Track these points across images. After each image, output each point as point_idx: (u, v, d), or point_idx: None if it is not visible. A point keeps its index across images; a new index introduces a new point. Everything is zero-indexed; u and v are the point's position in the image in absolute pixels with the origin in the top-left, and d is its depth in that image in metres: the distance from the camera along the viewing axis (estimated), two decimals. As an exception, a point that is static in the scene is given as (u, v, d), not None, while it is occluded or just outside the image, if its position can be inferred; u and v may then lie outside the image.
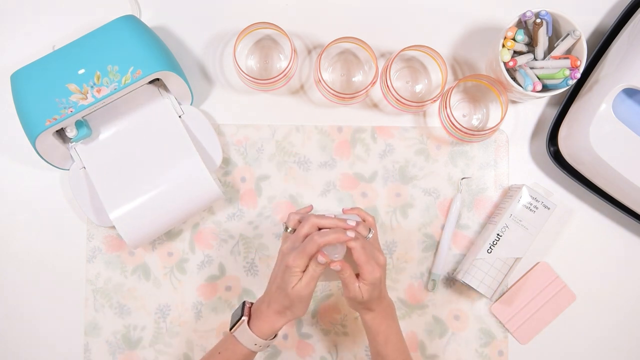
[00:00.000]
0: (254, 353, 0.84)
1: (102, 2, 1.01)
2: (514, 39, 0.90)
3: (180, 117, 0.96)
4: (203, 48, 1.01)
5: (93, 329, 0.98)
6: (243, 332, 0.82)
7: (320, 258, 0.79)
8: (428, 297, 0.99)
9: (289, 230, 0.85)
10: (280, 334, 0.98)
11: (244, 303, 0.84)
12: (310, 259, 0.79)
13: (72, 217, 0.99)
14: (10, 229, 0.99)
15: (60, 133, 0.94)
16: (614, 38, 0.97)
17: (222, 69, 1.01)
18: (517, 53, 0.93)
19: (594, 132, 0.89)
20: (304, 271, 0.80)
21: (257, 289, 0.99)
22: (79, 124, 0.91)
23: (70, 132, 0.90)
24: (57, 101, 0.86)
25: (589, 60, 0.96)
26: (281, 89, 1.01)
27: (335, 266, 0.79)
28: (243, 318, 0.82)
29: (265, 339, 0.82)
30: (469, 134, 0.95)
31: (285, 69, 0.93)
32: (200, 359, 0.86)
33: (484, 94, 1.00)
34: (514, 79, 0.92)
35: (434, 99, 0.94)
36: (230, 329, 0.83)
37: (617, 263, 1.00)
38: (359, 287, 0.80)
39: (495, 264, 0.93)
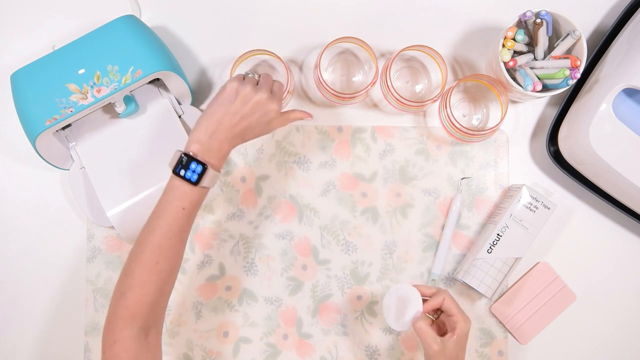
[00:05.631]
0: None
1: (102, 2, 1.01)
2: (514, 39, 0.90)
3: (180, 117, 0.97)
4: (203, 48, 1.01)
5: (93, 329, 0.98)
6: (210, 178, 0.80)
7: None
8: (428, 297, 0.99)
9: (250, 76, 0.84)
10: (280, 333, 0.98)
11: (181, 152, 0.79)
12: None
13: (72, 217, 0.99)
14: (10, 229, 0.99)
15: (60, 133, 0.94)
16: (614, 38, 0.97)
17: (222, 68, 1.01)
18: (517, 53, 0.93)
19: (594, 132, 0.89)
20: None
21: (257, 289, 0.99)
22: (127, 99, 0.91)
23: (119, 107, 0.90)
24: (57, 101, 0.86)
25: (589, 60, 0.96)
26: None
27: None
28: (208, 167, 0.79)
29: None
30: (469, 134, 0.95)
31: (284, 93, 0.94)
32: (152, 222, 0.79)
33: (484, 94, 1.00)
34: (514, 79, 0.92)
35: (434, 99, 0.94)
36: (195, 183, 0.79)
37: (617, 263, 1.00)
38: (442, 340, 0.81)
39: (495, 264, 0.93)
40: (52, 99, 0.86)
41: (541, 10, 0.89)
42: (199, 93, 1.01)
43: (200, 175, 0.79)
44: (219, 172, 0.81)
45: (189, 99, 0.97)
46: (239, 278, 0.99)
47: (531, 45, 0.93)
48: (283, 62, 0.93)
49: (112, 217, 0.91)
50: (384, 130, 1.00)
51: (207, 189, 0.81)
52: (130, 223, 0.91)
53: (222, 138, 0.81)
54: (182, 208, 0.80)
